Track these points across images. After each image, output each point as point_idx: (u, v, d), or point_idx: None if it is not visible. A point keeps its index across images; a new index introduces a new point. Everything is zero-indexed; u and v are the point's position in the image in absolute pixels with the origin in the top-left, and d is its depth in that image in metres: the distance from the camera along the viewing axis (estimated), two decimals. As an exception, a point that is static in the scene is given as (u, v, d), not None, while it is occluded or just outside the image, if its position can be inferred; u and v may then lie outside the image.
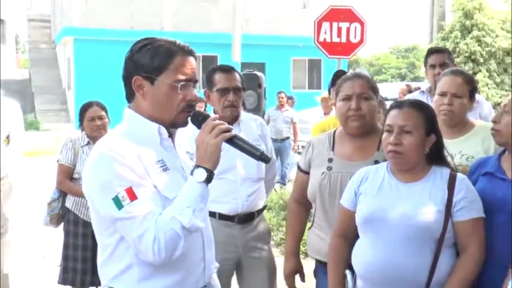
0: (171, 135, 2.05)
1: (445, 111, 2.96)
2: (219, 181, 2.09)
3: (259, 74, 8.30)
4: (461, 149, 2.89)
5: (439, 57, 4.30)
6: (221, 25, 20.90)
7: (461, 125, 3.01)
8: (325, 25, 7.36)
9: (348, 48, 7.46)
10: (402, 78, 40.65)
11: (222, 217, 3.22)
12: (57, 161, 4.25)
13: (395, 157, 2.39)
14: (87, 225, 4.16)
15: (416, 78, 31.48)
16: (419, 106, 2.47)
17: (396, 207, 2.36)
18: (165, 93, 1.95)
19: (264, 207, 3.50)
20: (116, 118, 5.43)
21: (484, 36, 13.50)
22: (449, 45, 12.91)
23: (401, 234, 2.32)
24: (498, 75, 13.65)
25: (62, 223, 4.28)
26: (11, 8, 32.08)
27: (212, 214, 2.93)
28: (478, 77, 12.87)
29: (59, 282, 4.26)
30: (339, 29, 7.38)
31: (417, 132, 2.38)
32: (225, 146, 2.92)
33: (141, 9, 22.43)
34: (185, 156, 2.13)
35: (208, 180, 1.90)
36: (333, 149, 2.85)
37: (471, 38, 13.52)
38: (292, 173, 9.20)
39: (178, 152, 2.09)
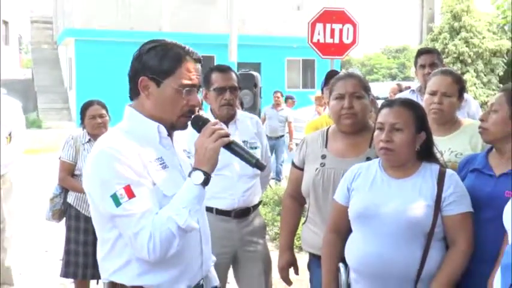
0: (170, 134, 2.04)
1: (435, 109, 2.96)
2: (217, 177, 2.09)
3: (255, 73, 8.31)
4: (451, 146, 2.89)
5: (429, 57, 4.30)
6: (218, 26, 20.89)
7: (450, 123, 3.01)
8: (319, 26, 7.36)
9: (340, 48, 7.46)
10: (393, 77, 40.68)
11: (219, 212, 3.21)
12: (59, 158, 4.24)
13: (387, 154, 2.39)
14: (89, 220, 4.14)
15: (406, 78, 31.50)
16: (409, 105, 2.46)
17: (388, 202, 2.36)
18: (170, 96, 1.95)
19: (260, 203, 3.50)
20: (116, 116, 5.41)
21: (471, 38, 13.55)
22: (438, 46, 12.96)
23: (392, 228, 2.32)
24: (485, 75, 13.70)
25: (64, 218, 4.26)
26: (15, 9, 31.94)
27: (209, 209, 2.93)
28: (466, 76, 12.92)
29: (61, 276, 4.25)
30: (332, 30, 7.38)
31: (407, 129, 2.37)
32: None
33: (140, 11, 22.41)
34: (182, 154, 2.12)
35: (206, 182, 1.91)
36: (326, 146, 2.85)
37: (459, 39, 13.57)
38: (286, 169, 9.20)
39: (176, 149, 2.08)
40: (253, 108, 8.20)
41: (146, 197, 1.86)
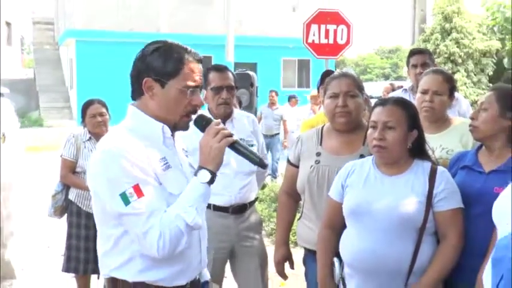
0: (172, 134, 2.04)
1: (426, 107, 2.97)
2: None
3: (251, 73, 8.29)
4: (442, 143, 2.89)
5: (421, 57, 4.30)
6: (215, 27, 20.85)
7: (441, 121, 3.01)
8: (314, 27, 7.36)
9: (335, 49, 7.47)
10: (386, 77, 40.72)
11: (217, 208, 3.20)
12: (61, 156, 4.23)
13: (380, 151, 2.39)
14: (90, 216, 4.12)
15: (399, 78, 31.53)
16: (402, 103, 2.46)
17: (381, 199, 2.36)
18: (174, 97, 1.94)
19: (256, 199, 3.49)
20: (116, 115, 5.41)
21: (462, 39, 13.56)
22: (430, 47, 12.97)
23: (385, 224, 2.33)
24: (475, 74, 13.72)
25: (66, 214, 4.26)
26: (17, 11, 31.86)
27: (207, 206, 2.92)
28: (457, 76, 12.93)
29: (62, 271, 4.24)
30: (327, 31, 7.38)
31: (400, 127, 2.38)
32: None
33: (139, 13, 22.37)
34: (182, 153, 2.12)
35: (211, 181, 1.92)
36: (321, 144, 2.85)
37: (450, 40, 13.59)
38: (281, 167, 9.21)
39: (177, 149, 2.07)
40: (250, 107, 8.19)
41: (154, 195, 1.85)
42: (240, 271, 3.36)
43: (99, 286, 4.33)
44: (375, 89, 13.58)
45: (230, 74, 3.34)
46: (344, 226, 2.50)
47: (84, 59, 21.95)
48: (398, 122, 2.38)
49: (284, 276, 3.08)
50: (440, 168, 2.43)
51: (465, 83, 13.24)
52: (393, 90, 7.73)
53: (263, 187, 7.61)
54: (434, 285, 2.34)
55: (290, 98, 11.98)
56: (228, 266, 3.42)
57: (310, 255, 2.82)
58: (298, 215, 3.02)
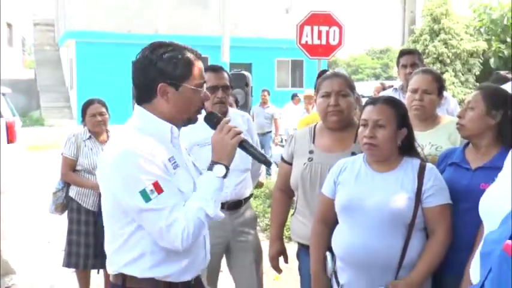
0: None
1: (416, 106, 2.97)
2: None
3: (246, 73, 8.27)
4: (431, 140, 2.90)
5: (410, 58, 4.31)
6: (211, 29, 20.84)
7: (431, 119, 3.02)
8: (307, 29, 7.37)
9: (327, 49, 7.48)
10: (377, 77, 40.72)
11: (213, 204, 3.20)
12: (61, 154, 4.21)
13: (371, 149, 2.39)
14: (89, 213, 4.13)
15: (389, 77, 31.55)
16: (391, 102, 2.47)
17: (372, 195, 2.36)
18: (189, 97, 1.96)
19: (251, 196, 3.49)
20: (115, 114, 5.39)
21: (450, 40, 13.59)
22: (419, 47, 13.00)
23: (376, 219, 2.33)
24: (463, 74, 13.75)
25: (66, 211, 4.25)
26: (18, 13, 31.71)
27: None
28: (445, 76, 12.96)
29: (63, 266, 4.23)
30: (319, 32, 7.39)
31: (390, 126, 2.38)
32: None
33: (138, 14, 22.33)
34: (186, 152, 2.14)
35: (225, 175, 1.96)
36: (313, 142, 2.85)
37: (439, 41, 13.61)
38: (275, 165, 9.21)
39: (182, 149, 2.09)
40: (245, 106, 8.18)
41: (172, 191, 1.87)
42: (235, 265, 3.35)
43: (99, 281, 4.34)
44: (366, 88, 13.57)
45: (225, 74, 3.34)
46: (336, 222, 2.50)
47: (84, 60, 21.90)
48: (388, 120, 2.38)
49: (278, 270, 3.08)
50: (428, 165, 2.43)
51: (453, 83, 13.27)
52: (384, 89, 7.73)
53: (258, 186, 7.61)
54: (424, 278, 2.34)
55: (293, 97, 12.00)
56: (223, 261, 3.42)
57: (303, 250, 2.82)
58: (292, 211, 3.02)
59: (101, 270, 4.24)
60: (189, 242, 1.87)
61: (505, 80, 4.25)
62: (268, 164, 2.10)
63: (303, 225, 2.79)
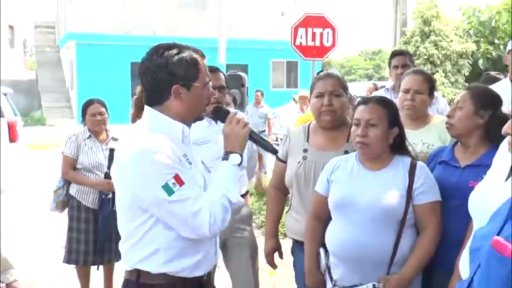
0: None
1: (408, 105, 2.98)
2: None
3: (242, 74, 8.28)
4: (423, 138, 2.90)
5: (401, 59, 4.31)
6: (208, 31, 20.81)
7: (422, 118, 3.02)
8: (301, 31, 7.36)
9: (321, 51, 7.47)
10: (369, 78, 40.75)
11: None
12: (62, 153, 4.20)
13: (363, 147, 2.39)
14: (89, 210, 4.12)
15: (381, 78, 31.58)
16: (383, 102, 2.47)
17: (364, 192, 2.36)
18: (199, 94, 1.98)
19: (247, 193, 3.48)
20: (115, 114, 5.36)
21: (440, 41, 13.61)
22: (410, 49, 13.00)
23: (368, 216, 2.33)
24: (452, 75, 13.77)
25: (67, 209, 4.23)
26: (20, 15, 31.60)
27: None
28: (435, 76, 12.97)
29: (63, 262, 4.22)
30: (313, 34, 7.39)
31: (381, 125, 2.38)
32: (213, 139, 2.92)
33: (136, 17, 22.28)
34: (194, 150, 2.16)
35: (241, 163, 2.01)
36: (307, 141, 2.84)
37: (429, 43, 13.63)
38: (270, 163, 9.21)
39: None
40: (241, 106, 8.19)
41: (192, 182, 1.90)
42: (231, 261, 3.35)
43: (98, 277, 4.33)
44: (359, 88, 13.57)
45: (222, 75, 3.33)
46: (330, 218, 2.49)
47: (84, 61, 21.85)
48: (380, 119, 2.38)
49: (274, 265, 3.08)
50: (419, 163, 2.43)
51: (443, 83, 13.28)
52: (376, 89, 7.73)
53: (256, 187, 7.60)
54: (415, 274, 2.35)
55: (299, 98, 11.95)
56: (220, 257, 3.41)
57: (298, 246, 2.82)
58: (286, 208, 3.02)
59: (101, 267, 4.23)
60: (216, 228, 1.90)
61: (495, 80, 4.26)
62: (275, 152, 2.17)
63: (298, 222, 2.78)
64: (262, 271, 3.62)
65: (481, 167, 2.24)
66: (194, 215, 1.85)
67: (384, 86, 5.15)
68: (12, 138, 6.16)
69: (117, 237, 4.31)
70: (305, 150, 2.80)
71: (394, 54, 4.46)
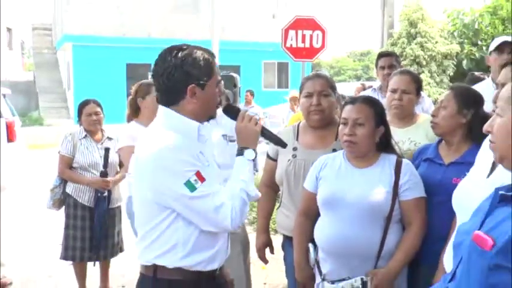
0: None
1: (396, 105, 2.98)
2: None
3: (234, 75, 8.23)
4: (410, 136, 2.91)
5: (388, 59, 4.32)
6: (201, 33, 20.75)
7: (409, 117, 3.02)
8: (292, 33, 7.36)
9: (311, 52, 7.47)
10: (358, 78, 40.75)
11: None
12: (59, 152, 4.18)
13: (350, 146, 2.39)
14: (85, 208, 4.10)
15: (370, 78, 31.60)
16: (370, 102, 2.47)
17: (352, 189, 2.36)
18: (212, 93, 2.00)
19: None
20: (110, 114, 5.33)
21: (426, 43, 13.67)
22: (397, 50, 13.04)
23: (356, 212, 2.33)
24: (438, 75, 13.84)
25: (63, 207, 4.21)
26: (17, 17, 31.38)
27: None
28: (421, 77, 13.00)
29: (60, 258, 4.20)
30: (303, 36, 7.38)
31: (368, 124, 2.38)
32: (208, 138, 2.92)
33: (131, 19, 22.20)
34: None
35: (255, 158, 2.03)
36: (297, 139, 2.84)
37: (415, 44, 13.68)
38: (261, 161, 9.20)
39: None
40: (234, 106, 8.18)
41: (212, 178, 1.91)
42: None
43: (95, 272, 4.31)
44: (348, 89, 13.60)
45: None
46: (318, 214, 2.50)
47: (81, 62, 21.74)
48: (367, 118, 2.38)
49: (265, 260, 3.07)
50: (405, 161, 2.44)
51: (429, 83, 13.34)
52: (364, 89, 7.75)
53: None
54: (401, 268, 2.35)
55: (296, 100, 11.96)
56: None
57: (288, 241, 2.82)
58: (277, 205, 3.02)
59: (97, 263, 4.21)
60: (238, 220, 1.91)
61: (479, 80, 4.28)
62: (284, 145, 2.21)
63: (288, 218, 2.78)
64: (253, 266, 3.62)
65: (464, 164, 2.25)
66: (216, 210, 1.87)
67: (372, 86, 5.16)
68: (10, 138, 6.12)
69: (113, 234, 4.31)
70: (295, 149, 2.80)
71: (381, 55, 4.47)
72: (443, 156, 2.48)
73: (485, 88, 3.22)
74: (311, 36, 7.40)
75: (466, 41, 13.52)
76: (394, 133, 2.61)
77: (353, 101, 2.46)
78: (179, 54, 1.93)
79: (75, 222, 4.10)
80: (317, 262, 2.48)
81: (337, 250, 2.36)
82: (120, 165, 4.16)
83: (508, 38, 3.85)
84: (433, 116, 2.53)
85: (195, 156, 1.89)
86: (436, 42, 13.69)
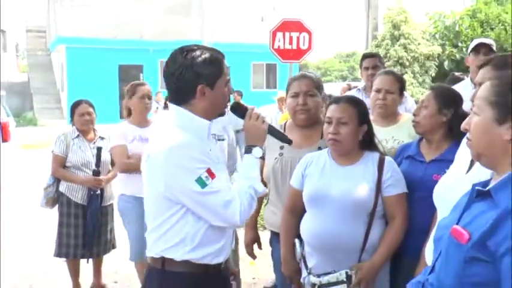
0: None
1: (380, 104, 2.99)
2: None
3: (224, 76, 8.23)
4: (393, 135, 2.92)
5: (372, 60, 4.32)
6: (192, 35, 20.72)
7: (392, 116, 3.04)
8: (279, 35, 7.35)
9: (298, 54, 7.47)
10: (344, 79, 40.84)
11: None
12: (52, 152, 4.14)
13: (335, 144, 2.39)
14: (78, 206, 4.07)
15: (356, 79, 31.70)
16: (353, 101, 2.47)
17: (336, 186, 2.37)
18: (222, 92, 1.99)
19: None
20: (103, 114, 5.29)
21: (409, 44, 13.75)
22: (381, 51, 13.11)
23: (340, 208, 2.33)
24: (420, 76, 13.94)
25: (57, 205, 4.18)
26: (11, 20, 31.07)
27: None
28: (404, 77, 13.08)
29: (54, 255, 4.17)
30: (291, 38, 7.38)
31: (352, 123, 2.38)
32: (225, 137, 2.93)
33: (124, 21, 22.08)
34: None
35: (263, 156, 2.05)
36: (284, 138, 2.84)
37: (399, 46, 13.76)
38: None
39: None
40: (224, 106, 8.16)
41: (221, 174, 1.92)
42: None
43: (88, 269, 4.29)
44: (334, 89, 13.65)
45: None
46: (304, 211, 2.50)
47: (74, 64, 21.59)
48: (350, 118, 2.38)
49: (253, 256, 3.07)
50: (387, 158, 2.45)
51: (412, 83, 13.44)
52: (349, 89, 7.78)
53: None
54: (384, 261, 2.37)
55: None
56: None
57: (275, 237, 2.82)
58: (265, 202, 3.02)
59: (90, 259, 4.19)
60: (246, 216, 1.93)
61: (459, 80, 4.31)
62: (290, 142, 2.22)
63: (275, 215, 2.78)
64: (242, 261, 3.62)
65: (445, 162, 2.26)
66: (225, 205, 1.87)
67: (357, 87, 5.18)
68: (5, 138, 6.08)
69: (106, 232, 4.27)
70: (282, 147, 2.79)
71: (365, 56, 4.47)
72: (424, 154, 2.49)
73: (464, 88, 3.24)
74: (298, 38, 7.40)
75: (447, 42, 13.63)
76: (378, 132, 2.61)
77: (337, 100, 2.47)
78: (189, 55, 1.93)
79: (68, 220, 4.08)
80: (303, 257, 2.48)
81: (322, 245, 2.36)
82: (112, 164, 4.14)
83: (484, 40, 3.88)
84: (414, 115, 2.54)
85: (205, 153, 1.89)
86: (419, 44, 13.78)
